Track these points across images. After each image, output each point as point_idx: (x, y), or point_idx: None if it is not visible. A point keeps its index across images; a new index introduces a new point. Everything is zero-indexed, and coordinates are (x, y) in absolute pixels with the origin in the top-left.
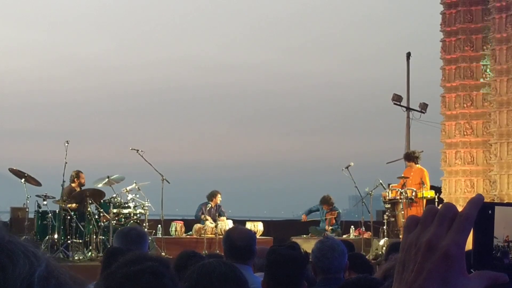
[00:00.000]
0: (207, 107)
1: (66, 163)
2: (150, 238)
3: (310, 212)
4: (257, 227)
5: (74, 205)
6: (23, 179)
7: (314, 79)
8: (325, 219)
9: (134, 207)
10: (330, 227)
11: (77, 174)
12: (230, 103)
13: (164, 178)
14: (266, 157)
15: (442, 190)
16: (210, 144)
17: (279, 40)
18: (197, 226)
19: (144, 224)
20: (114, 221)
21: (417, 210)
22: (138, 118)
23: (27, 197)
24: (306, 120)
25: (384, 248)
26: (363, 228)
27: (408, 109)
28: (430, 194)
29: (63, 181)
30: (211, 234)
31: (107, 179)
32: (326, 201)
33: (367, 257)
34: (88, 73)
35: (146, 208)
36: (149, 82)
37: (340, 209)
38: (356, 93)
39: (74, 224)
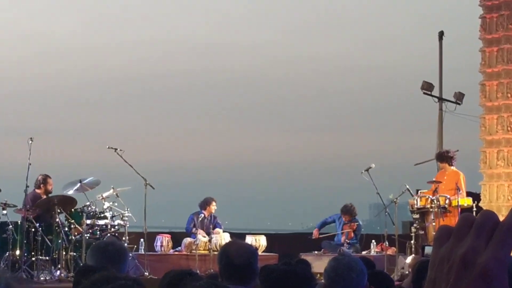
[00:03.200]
0: (198, 96)
1: (30, 164)
2: (130, 254)
3: (324, 224)
4: (260, 242)
5: (38, 215)
6: None
7: (325, 64)
8: (342, 232)
9: (112, 217)
10: (347, 242)
11: (45, 180)
12: (225, 92)
13: (147, 182)
14: (269, 157)
15: (481, 197)
16: (203, 142)
17: (281, 16)
18: (187, 240)
19: (123, 238)
20: (88, 234)
21: (451, 221)
22: (116, 111)
23: None
24: (316, 113)
25: (411, 267)
26: (387, 243)
27: (441, 99)
28: (467, 201)
29: (27, 186)
30: (204, 250)
31: (79, 184)
32: (348, 210)
33: (391, 277)
34: (54, 56)
35: (126, 218)
36: (128, 67)
37: (360, 220)
38: (378, 81)
39: (40, 238)
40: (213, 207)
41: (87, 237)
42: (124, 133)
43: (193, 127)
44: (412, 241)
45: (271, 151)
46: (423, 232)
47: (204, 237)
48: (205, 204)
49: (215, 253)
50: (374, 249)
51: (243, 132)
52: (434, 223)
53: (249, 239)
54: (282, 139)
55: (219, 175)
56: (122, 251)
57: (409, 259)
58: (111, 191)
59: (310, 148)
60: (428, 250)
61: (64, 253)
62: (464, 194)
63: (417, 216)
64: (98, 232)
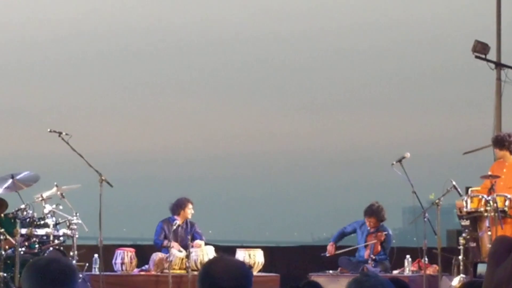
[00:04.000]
0: (169, 65)
1: None
2: (80, 275)
3: (342, 236)
4: (255, 258)
5: None
6: None
7: (339, 20)
8: (366, 245)
9: (55, 225)
10: (373, 257)
11: None
12: (207, 59)
13: (103, 178)
14: (266, 145)
15: None
16: (177, 125)
17: None
18: (157, 256)
19: (71, 253)
20: (23, 248)
21: None
22: (60, 83)
23: None
24: (328, 88)
25: None
26: (426, 259)
27: (499, 65)
28: None
29: None
30: (179, 269)
31: (10, 180)
32: (374, 212)
33: None
34: None
35: (75, 227)
36: (73, 24)
37: (390, 228)
38: (413, 41)
39: None
40: (190, 211)
41: (22, 252)
42: (71, 113)
43: (166, 107)
44: (460, 257)
45: (270, 139)
46: (475, 244)
47: (180, 251)
48: (178, 207)
49: (195, 273)
50: (409, 268)
51: (234, 114)
52: (489, 232)
53: (241, 255)
54: (287, 123)
55: (200, 168)
56: (69, 271)
57: (455, 281)
58: (54, 190)
59: (322, 134)
60: (481, 268)
61: None
62: None
63: (466, 222)
64: (36, 245)
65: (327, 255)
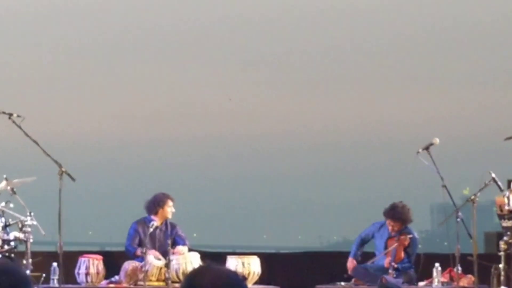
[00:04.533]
0: (140, 28)
1: None
2: None
3: (362, 244)
4: (250, 267)
5: None
6: None
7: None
8: (387, 251)
9: (5, 227)
10: (395, 266)
11: None
12: (188, 17)
13: (64, 170)
14: (262, 127)
15: None
16: (157, 105)
17: None
18: (129, 265)
19: (24, 262)
20: None
21: None
22: (8, 52)
23: None
24: (336, 60)
25: None
26: (459, 268)
27: None
28: None
29: None
30: (157, 281)
31: None
32: (398, 214)
33: None
34: None
35: (29, 229)
36: None
37: (415, 231)
38: None
39: None
40: (170, 209)
41: None
42: (24, 91)
43: (135, 78)
44: (501, 265)
45: (265, 118)
46: None
47: (158, 259)
48: (155, 205)
49: (176, 285)
50: (438, 278)
51: (223, 82)
52: None
53: (233, 263)
54: (285, 97)
55: (182, 159)
56: (22, 284)
57: None
58: (3, 184)
59: (330, 111)
60: None
61: None
62: None
63: (509, 223)
64: None
65: (350, 273)
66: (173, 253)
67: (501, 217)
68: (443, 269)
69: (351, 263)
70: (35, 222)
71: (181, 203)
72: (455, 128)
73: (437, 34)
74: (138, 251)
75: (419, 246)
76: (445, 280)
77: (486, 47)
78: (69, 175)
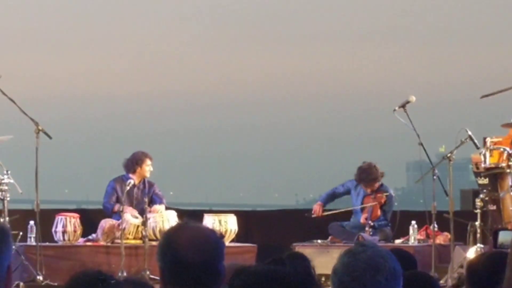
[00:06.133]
0: None
1: None
2: (14, 247)
3: (332, 197)
4: (227, 225)
5: None
6: None
7: None
8: (362, 207)
9: None
10: (371, 223)
11: None
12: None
13: (40, 128)
14: (241, 84)
15: None
16: (136, 64)
17: None
18: (106, 223)
19: (1, 220)
20: None
21: None
22: None
23: None
24: (313, 18)
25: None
26: (435, 226)
27: None
28: None
29: None
30: (134, 239)
31: None
32: (367, 173)
33: (441, 282)
34: None
35: (6, 187)
36: None
37: (392, 188)
38: None
39: None
40: (148, 168)
41: None
42: None
43: (122, 37)
44: (477, 223)
45: (244, 79)
46: (494, 207)
47: (135, 217)
48: (133, 163)
49: (153, 243)
50: (414, 236)
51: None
52: None
53: (210, 221)
54: (264, 60)
55: (160, 120)
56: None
57: (471, 252)
58: None
59: (309, 69)
60: (504, 236)
61: None
62: None
63: (485, 181)
64: None
65: (313, 215)
66: (150, 211)
67: (477, 174)
68: (419, 227)
69: (318, 206)
70: (12, 181)
71: (158, 162)
72: (432, 86)
73: None
74: (116, 207)
75: (395, 203)
76: (421, 237)
77: (465, 6)
78: (45, 133)
